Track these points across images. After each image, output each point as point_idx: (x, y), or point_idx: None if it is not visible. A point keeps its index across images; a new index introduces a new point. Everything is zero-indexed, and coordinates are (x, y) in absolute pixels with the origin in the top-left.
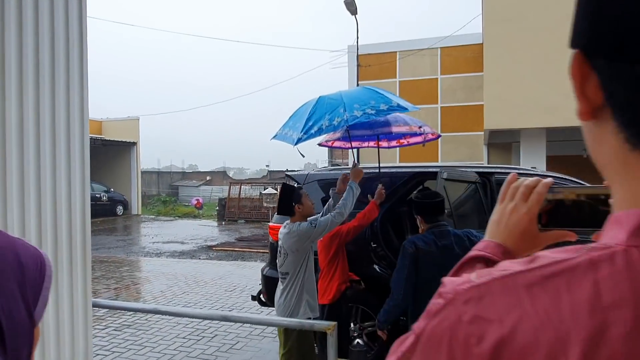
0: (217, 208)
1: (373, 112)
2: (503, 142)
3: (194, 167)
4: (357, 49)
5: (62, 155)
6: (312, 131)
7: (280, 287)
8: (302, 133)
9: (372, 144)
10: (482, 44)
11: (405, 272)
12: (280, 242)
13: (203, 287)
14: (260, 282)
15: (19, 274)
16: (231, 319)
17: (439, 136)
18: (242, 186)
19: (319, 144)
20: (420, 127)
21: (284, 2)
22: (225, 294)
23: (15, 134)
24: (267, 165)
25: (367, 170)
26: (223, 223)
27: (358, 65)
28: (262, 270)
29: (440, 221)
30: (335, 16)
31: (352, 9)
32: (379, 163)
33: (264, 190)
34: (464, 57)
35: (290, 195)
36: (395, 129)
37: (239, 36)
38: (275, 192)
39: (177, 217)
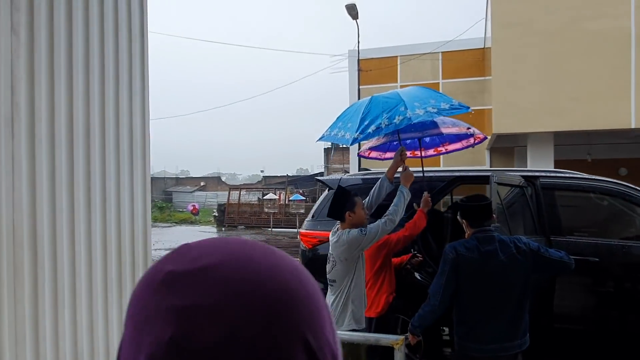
0: (216, 214)
1: (435, 110)
2: (505, 147)
3: (187, 173)
4: (358, 53)
5: (125, 162)
6: (370, 130)
7: (329, 294)
8: (357, 133)
9: (408, 154)
10: (483, 48)
11: (444, 279)
12: (330, 250)
13: None
14: None
15: None
16: None
17: (486, 138)
18: (241, 192)
19: (359, 155)
20: (468, 128)
21: (279, 7)
22: None
23: (81, 139)
24: (262, 171)
25: (397, 175)
26: (223, 229)
27: (359, 70)
28: None
29: (487, 226)
30: (336, 21)
31: (353, 13)
32: (423, 167)
33: (264, 195)
34: (465, 62)
35: (344, 200)
36: (445, 130)
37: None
38: (276, 197)
39: (174, 223)
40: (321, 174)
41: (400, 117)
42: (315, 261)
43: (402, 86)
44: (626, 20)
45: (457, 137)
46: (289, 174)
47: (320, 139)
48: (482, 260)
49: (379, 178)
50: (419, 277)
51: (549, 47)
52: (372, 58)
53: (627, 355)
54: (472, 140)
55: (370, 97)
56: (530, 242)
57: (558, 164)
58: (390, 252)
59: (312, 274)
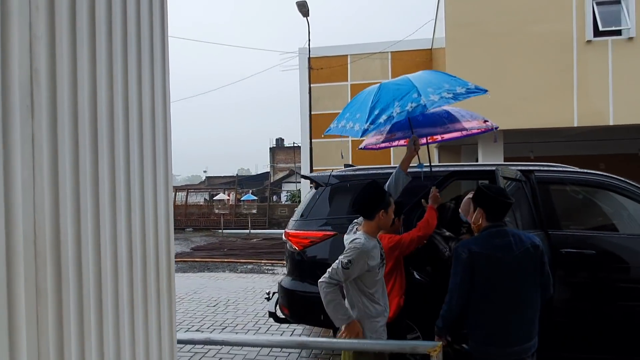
0: None
1: (450, 95)
2: (453, 145)
3: None
4: (309, 51)
5: (148, 160)
6: (381, 120)
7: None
8: (367, 123)
9: (402, 142)
10: (430, 49)
11: (459, 279)
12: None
13: (180, 303)
14: (278, 295)
15: None
16: (309, 345)
17: (497, 127)
18: (188, 192)
19: (361, 148)
20: (485, 120)
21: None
22: (208, 309)
23: (105, 121)
24: (205, 171)
25: (389, 171)
26: None
27: (309, 68)
28: (281, 281)
29: (502, 221)
30: (286, 17)
31: (304, 10)
32: (430, 162)
33: (212, 197)
34: (414, 62)
35: (379, 197)
36: (467, 124)
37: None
38: (226, 197)
39: None
40: (267, 174)
41: (413, 105)
42: (307, 264)
43: (352, 85)
44: (568, 25)
45: (485, 130)
46: (230, 175)
47: (328, 131)
48: (497, 255)
49: (371, 173)
50: (418, 277)
51: (498, 48)
52: (322, 56)
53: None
54: (495, 133)
55: (379, 84)
56: (542, 243)
57: (507, 161)
58: (402, 254)
59: (303, 278)
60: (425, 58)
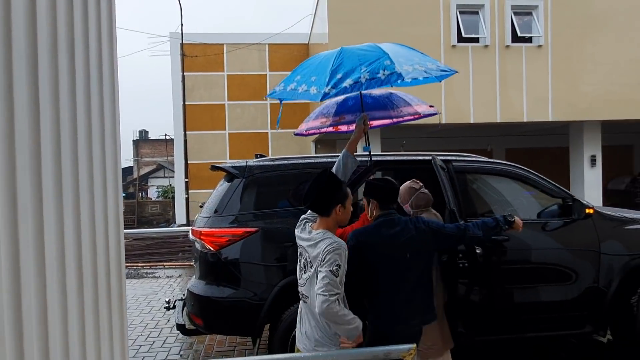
0: None
1: (423, 69)
2: (329, 139)
3: None
4: (182, 36)
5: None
6: (345, 84)
7: (303, 309)
8: (329, 87)
9: (353, 127)
10: (307, 44)
11: (347, 267)
12: (305, 253)
13: None
14: (185, 303)
15: None
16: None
17: (435, 114)
18: None
19: (296, 134)
20: (431, 105)
21: None
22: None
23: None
24: None
25: (312, 161)
26: None
27: (183, 55)
28: (190, 287)
29: (392, 209)
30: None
31: None
32: (369, 146)
33: None
34: (291, 56)
35: (335, 190)
36: (418, 108)
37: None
38: None
39: None
40: (130, 168)
41: (387, 72)
42: (224, 265)
43: (229, 76)
44: (436, 29)
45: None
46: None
47: (271, 94)
48: (383, 243)
49: (292, 163)
50: None
51: None
52: (197, 43)
53: None
54: (431, 113)
55: (339, 48)
56: (430, 222)
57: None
58: None
59: (220, 282)
60: (302, 52)
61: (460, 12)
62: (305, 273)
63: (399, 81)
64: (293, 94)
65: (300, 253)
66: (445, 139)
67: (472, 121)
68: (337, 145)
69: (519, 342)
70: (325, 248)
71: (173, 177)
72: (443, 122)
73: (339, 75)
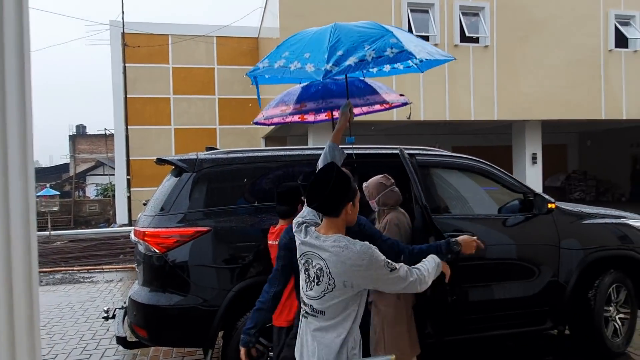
0: None
1: (426, 51)
2: (279, 136)
3: None
4: (123, 25)
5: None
6: (349, 62)
7: (306, 328)
8: (330, 64)
9: (323, 116)
10: (257, 38)
11: (280, 263)
12: (315, 261)
13: None
14: (127, 313)
15: None
16: None
17: (411, 102)
18: None
19: (256, 122)
20: (401, 94)
21: None
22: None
23: None
24: None
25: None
26: None
27: (124, 45)
28: (132, 295)
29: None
30: None
31: None
32: (353, 137)
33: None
34: (240, 49)
35: (346, 186)
36: (387, 97)
37: None
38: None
39: None
40: (67, 165)
41: (395, 50)
42: (172, 269)
43: (174, 69)
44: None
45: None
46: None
47: (253, 71)
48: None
49: (247, 156)
50: None
51: None
52: (140, 33)
53: None
54: (400, 102)
55: (332, 24)
56: (368, 225)
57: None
58: None
59: (167, 288)
60: (251, 46)
61: (411, 10)
62: (318, 284)
63: (408, 60)
64: (282, 71)
65: (306, 261)
66: (394, 137)
67: (422, 118)
68: (288, 142)
69: (475, 341)
70: (359, 254)
71: (113, 174)
72: (394, 119)
73: (339, 52)
